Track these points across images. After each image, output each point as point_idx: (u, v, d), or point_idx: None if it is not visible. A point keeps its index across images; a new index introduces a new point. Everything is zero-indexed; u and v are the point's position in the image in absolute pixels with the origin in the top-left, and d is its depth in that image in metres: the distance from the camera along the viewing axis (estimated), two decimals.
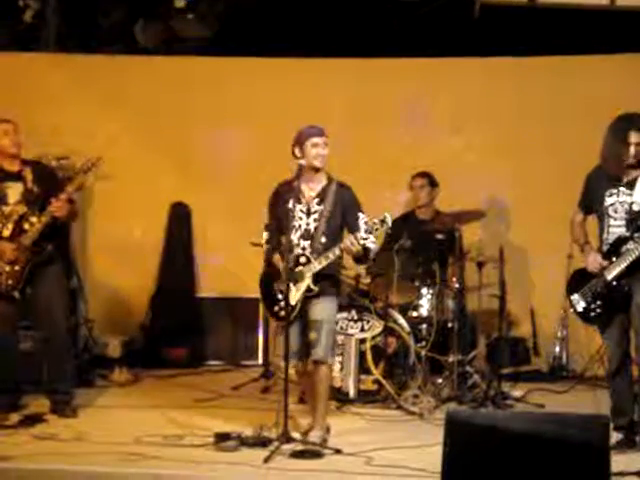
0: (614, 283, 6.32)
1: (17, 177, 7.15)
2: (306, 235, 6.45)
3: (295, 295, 6.37)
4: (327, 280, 6.45)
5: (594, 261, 6.39)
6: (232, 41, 9.74)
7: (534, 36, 9.26)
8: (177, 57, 9.94)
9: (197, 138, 9.70)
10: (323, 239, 6.43)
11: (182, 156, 9.69)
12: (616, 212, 6.35)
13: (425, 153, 9.47)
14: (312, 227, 6.46)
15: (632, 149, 6.25)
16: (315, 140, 6.43)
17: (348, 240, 6.28)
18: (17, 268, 7.03)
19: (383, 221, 6.23)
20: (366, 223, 6.28)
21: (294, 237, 6.41)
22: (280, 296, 6.42)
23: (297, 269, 6.37)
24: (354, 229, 6.34)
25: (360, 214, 6.40)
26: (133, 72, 9.73)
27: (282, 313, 6.41)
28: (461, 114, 9.51)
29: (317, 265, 6.37)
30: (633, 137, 6.24)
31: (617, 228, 6.34)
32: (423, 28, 9.25)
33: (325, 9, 9.57)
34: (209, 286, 9.72)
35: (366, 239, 6.26)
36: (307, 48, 9.50)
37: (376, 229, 6.25)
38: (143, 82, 9.71)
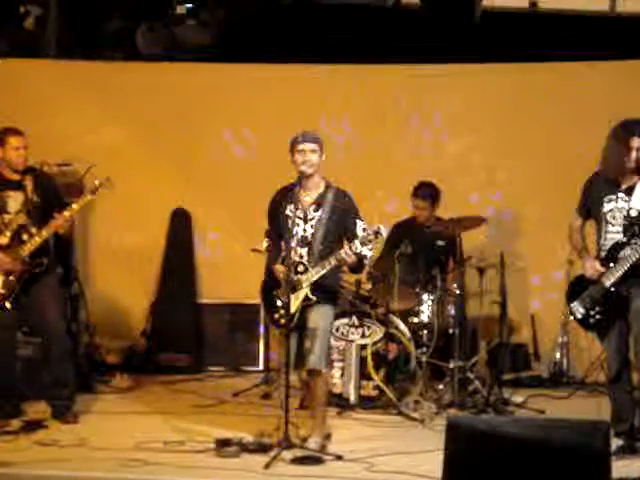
0: (612, 289, 6.32)
1: (18, 186, 7.14)
2: (303, 242, 6.45)
3: (294, 303, 6.38)
4: (325, 289, 6.45)
5: (592, 268, 6.39)
6: (233, 47, 9.74)
7: (535, 42, 9.26)
8: (178, 63, 9.94)
9: (198, 144, 9.70)
10: (320, 246, 6.42)
11: (183, 163, 9.70)
12: (614, 218, 6.35)
13: (426, 158, 9.48)
14: (309, 234, 6.46)
15: (634, 154, 6.27)
16: (300, 146, 6.41)
17: (343, 251, 6.29)
18: (11, 278, 7.03)
19: (377, 232, 6.22)
20: (364, 230, 6.29)
21: (292, 243, 6.41)
22: (280, 303, 6.44)
23: (295, 277, 6.38)
24: (352, 236, 6.34)
25: (358, 221, 6.40)
26: (134, 78, 9.73)
27: (282, 320, 6.44)
28: (462, 119, 9.51)
29: (314, 274, 6.38)
30: (635, 142, 6.27)
31: (615, 234, 6.34)
32: (424, 34, 9.24)
33: (326, 15, 9.57)
34: (210, 292, 9.71)
35: (361, 249, 6.26)
36: (309, 54, 9.50)
37: (370, 240, 6.24)
38: (144, 88, 9.71)
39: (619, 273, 6.28)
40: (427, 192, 8.45)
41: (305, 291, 6.40)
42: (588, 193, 6.54)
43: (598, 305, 6.38)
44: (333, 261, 6.34)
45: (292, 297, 6.35)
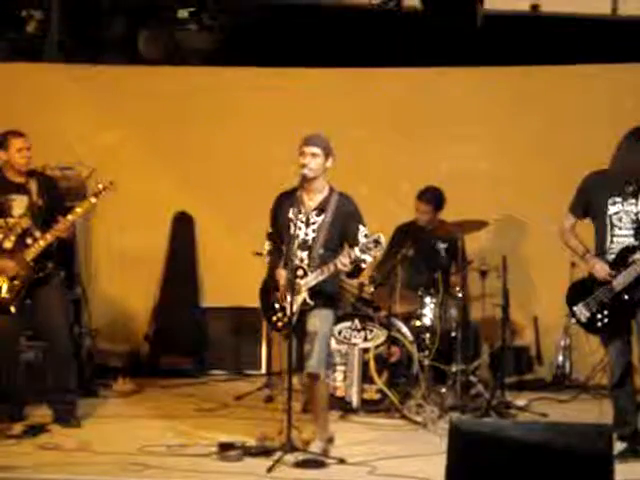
0: (622, 293, 6.28)
1: (22, 189, 7.13)
2: (304, 246, 6.43)
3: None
4: (324, 294, 6.43)
5: (603, 270, 6.33)
6: (235, 51, 9.75)
7: (537, 45, 9.27)
8: (179, 67, 9.95)
9: (200, 148, 9.71)
10: (321, 251, 6.40)
11: (185, 166, 9.70)
12: (620, 221, 6.31)
13: (427, 162, 9.47)
14: (310, 238, 6.44)
15: None
16: (302, 149, 6.40)
17: (339, 262, 6.24)
18: (16, 283, 7.02)
19: (377, 242, 6.19)
20: (366, 236, 6.27)
21: (293, 247, 6.40)
22: (277, 306, 6.45)
23: (294, 281, 6.36)
24: (354, 242, 6.31)
25: (361, 227, 6.36)
26: (136, 82, 9.75)
27: (280, 324, 6.44)
28: (464, 123, 9.51)
29: (312, 280, 6.36)
30: None
31: (623, 237, 6.31)
32: (426, 38, 9.25)
33: (330, 20, 9.58)
34: (212, 296, 9.72)
35: (360, 257, 6.24)
36: (310, 58, 9.51)
37: (369, 248, 6.21)
38: (146, 92, 9.72)
39: (631, 276, 6.23)
40: (431, 196, 8.42)
41: (303, 295, 6.38)
42: (587, 192, 6.47)
43: (606, 309, 6.33)
44: (332, 267, 6.30)
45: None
